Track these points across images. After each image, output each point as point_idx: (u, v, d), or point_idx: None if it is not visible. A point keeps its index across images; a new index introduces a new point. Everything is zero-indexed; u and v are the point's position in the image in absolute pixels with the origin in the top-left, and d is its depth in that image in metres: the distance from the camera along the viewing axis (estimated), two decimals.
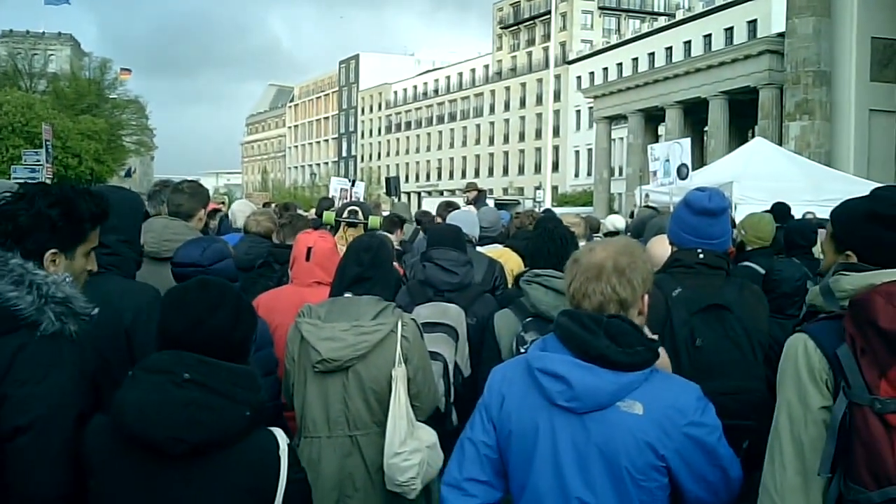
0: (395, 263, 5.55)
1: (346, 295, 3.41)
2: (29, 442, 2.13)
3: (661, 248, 3.80)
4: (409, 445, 3.18)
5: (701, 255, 3.29)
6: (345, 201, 10.92)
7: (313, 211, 11.14)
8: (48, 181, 22.32)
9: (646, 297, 2.44)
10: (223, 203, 16.68)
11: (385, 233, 7.67)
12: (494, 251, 6.06)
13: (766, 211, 7.50)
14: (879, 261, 2.28)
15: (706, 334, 3.12)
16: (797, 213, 9.15)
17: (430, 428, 3.35)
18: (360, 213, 5.86)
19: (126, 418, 2.11)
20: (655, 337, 2.48)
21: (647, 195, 15.12)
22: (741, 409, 3.01)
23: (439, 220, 7.79)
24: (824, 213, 10.58)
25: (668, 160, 12.97)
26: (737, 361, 3.12)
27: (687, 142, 13.01)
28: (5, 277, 2.21)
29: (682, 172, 12.38)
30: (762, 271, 5.25)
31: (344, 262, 3.52)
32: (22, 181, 12.05)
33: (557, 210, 16.66)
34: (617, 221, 10.28)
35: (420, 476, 3.18)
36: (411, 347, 3.33)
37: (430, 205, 22.11)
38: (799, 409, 2.27)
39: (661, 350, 2.43)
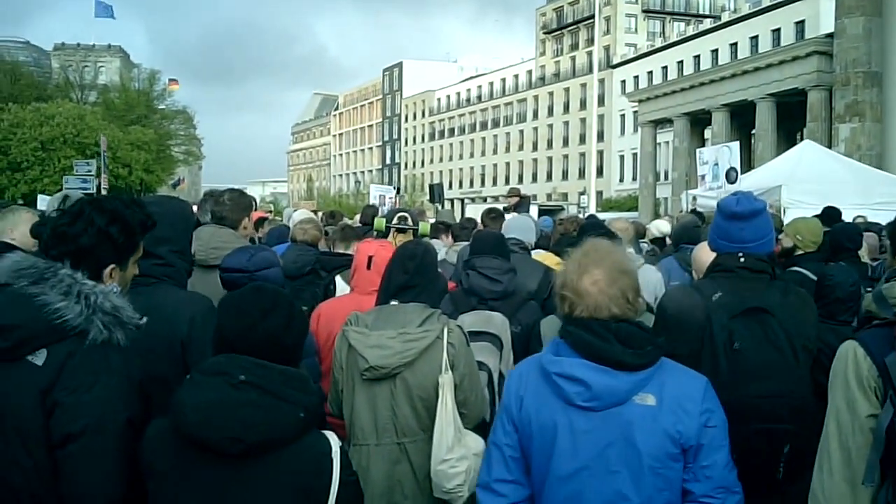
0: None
1: (393, 303, 3.44)
2: (79, 449, 2.19)
3: (706, 254, 3.78)
4: (457, 452, 3.20)
5: (742, 259, 3.28)
6: (384, 208, 11.00)
7: (357, 218, 11.21)
8: (105, 192, 22.78)
9: (641, 297, 2.60)
10: (270, 212, 16.90)
11: (433, 238, 7.72)
12: (537, 256, 6.04)
13: (816, 215, 7.37)
14: None
15: (745, 337, 3.11)
16: (847, 217, 8.97)
17: (478, 436, 3.35)
18: (409, 219, 5.93)
19: (185, 418, 2.17)
20: None
21: (694, 198, 14.97)
22: (780, 413, 3.01)
23: (482, 226, 7.79)
24: (875, 217, 10.38)
25: (716, 164, 12.84)
26: (776, 365, 3.09)
27: (735, 145, 12.87)
28: (55, 288, 2.27)
29: (731, 176, 12.25)
30: (813, 277, 5.17)
31: (389, 270, 3.54)
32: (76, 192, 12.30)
33: (602, 215, 16.56)
34: (662, 226, 10.17)
35: (467, 483, 3.19)
36: (457, 354, 3.34)
37: (474, 211, 22.14)
38: (847, 416, 2.28)
39: None
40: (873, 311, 2.37)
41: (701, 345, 3.11)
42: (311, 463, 2.24)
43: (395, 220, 5.87)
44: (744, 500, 2.48)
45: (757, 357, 3.08)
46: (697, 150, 14.81)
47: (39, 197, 21.07)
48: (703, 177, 13.44)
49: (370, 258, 4.28)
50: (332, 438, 2.31)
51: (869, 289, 5.31)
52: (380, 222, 5.92)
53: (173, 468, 2.22)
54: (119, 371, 2.28)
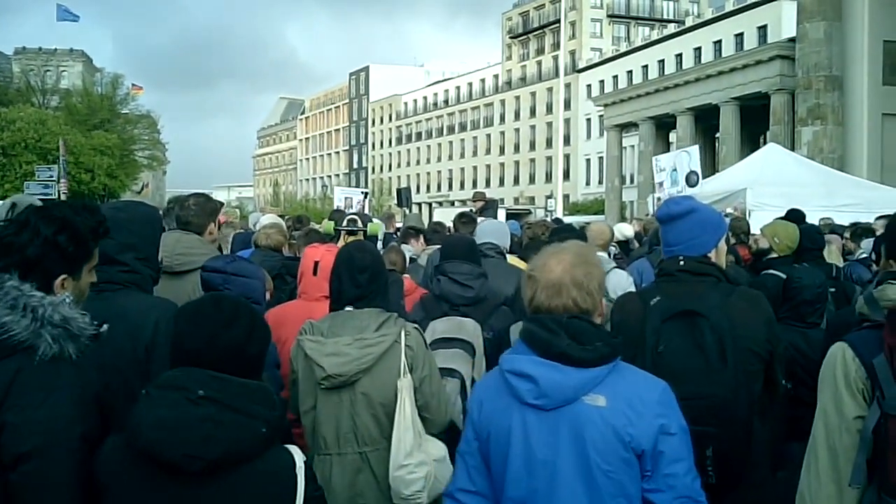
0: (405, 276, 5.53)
1: (348, 308, 3.38)
2: (32, 469, 2.10)
3: None
4: (416, 458, 3.15)
5: (682, 262, 3.26)
6: (351, 210, 10.91)
7: (324, 223, 11.12)
8: (64, 197, 22.45)
9: (603, 300, 2.56)
10: (236, 218, 16.73)
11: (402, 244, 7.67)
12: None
13: (780, 218, 7.45)
14: None
15: (672, 340, 3.08)
16: (812, 219, 9.08)
17: (440, 442, 3.31)
18: (359, 222, 5.91)
19: (141, 436, 2.09)
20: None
21: (659, 199, 15.10)
22: (699, 415, 2.93)
23: (453, 231, 7.77)
24: (840, 219, 10.53)
25: (675, 169, 12.95)
26: (698, 368, 3.04)
27: (695, 149, 12.99)
28: (1, 302, 2.17)
29: (691, 180, 12.36)
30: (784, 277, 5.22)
31: (339, 282, 3.42)
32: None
33: (569, 219, 16.61)
34: (625, 230, 10.23)
35: (426, 490, 3.15)
36: (416, 356, 3.29)
37: (442, 215, 22.11)
38: (834, 417, 2.29)
39: None
40: (865, 312, 2.37)
41: (633, 349, 3.08)
42: (275, 479, 2.18)
43: (345, 223, 5.85)
44: None
45: (679, 360, 3.05)
46: (654, 158, 14.90)
47: None
48: (660, 183, 13.55)
49: (316, 263, 4.19)
50: (297, 453, 2.25)
51: (832, 289, 5.38)
52: (328, 225, 5.90)
53: (130, 487, 2.14)
54: (71, 386, 2.18)
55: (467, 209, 12.00)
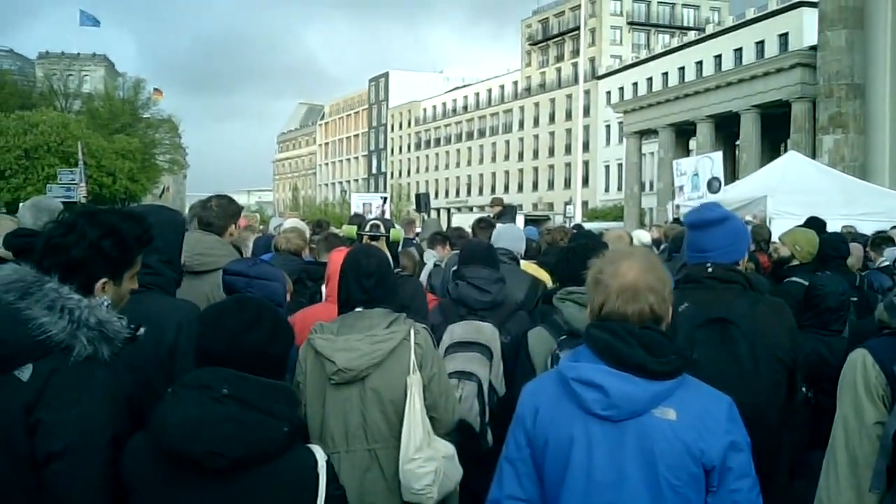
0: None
1: (357, 309, 3.41)
2: (63, 468, 2.13)
3: None
4: (425, 453, 3.16)
5: (709, 269, 3.24)
6: (370, 216, 10.91)
7: (344, 228, 11.14)
8: (84, 200, 22.62)
9: (670, 308, 2.48)
10: (255, 221, 16.78)
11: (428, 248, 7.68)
12: (523, 266, 6.01)
13: (801, 225, 7.41)
14: None
15: (705, 348, 3.06)
16: (833, 228, 9.02)
17: (448, 442, 3.33)
18: (381, 227, 5.93)
19: (166, 434, 2.12)
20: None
21: (678, 207, 15.04)
22: None
23: (473, 236, 7.78)
24: (861, 228, 10.44)
25: (696, 174, 12.88)
26: (732, 376, 3.02)
27: (718, 155, 12.91)
28: (40, 302, 2.22)
29: (713, 186, 12.28)
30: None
31: (347, 287, 3.46)
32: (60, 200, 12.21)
33: (588, 225, 16.56)
34: (643, 236, 10.18)
35: (436, 485, 3.16)
36: (425, 354, 3.32)
37: (460, 220, 22.12)
38: (854, 423, 2.28)
39: None
40: (885, 319, 2.36)
41: None
42: (297, 477, 2.20)
43: (367, 228, 5.88)
44: None
45: (714, 368, 3.01)
46: (674, 162, 14.82)
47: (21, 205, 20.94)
48: (681, 188, 13.48)
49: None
50: (318, 452, 2.27)
51: (854, 298, 5.35)
52: (350, 230, 5.91)
53: (155, 484, 2.17)
54: (104, 387, 2.22)
55: (486, 215, 11.98)
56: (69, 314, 2.22)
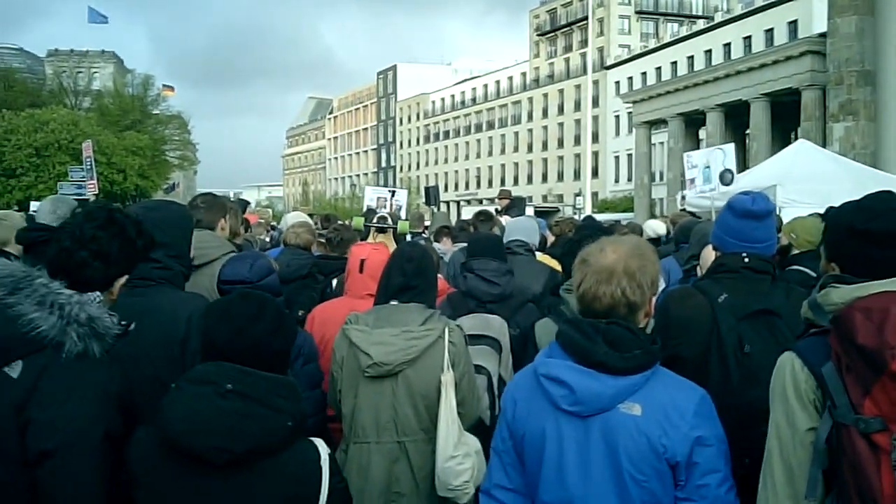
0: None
1: (392, 303, 3.44)
2: (56, 465, 2.13)
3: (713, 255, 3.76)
4: (461, 450, 3.21)
5: (746, 259, 3.21)
6: (384, 210, 10.89)
7: (355, 220, 11.13)
8: (93, 197, 22.69)
9: (653, 298, 2.49)
10: (267, 217, 16.83)
11: (434, 242, 7.70)
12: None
13: (818, 215, 7.36)
14: (862, 273, 2.18)
15: (754, 340, 3.04)
16: None
17: (474, 436, 3.36)
18: (388, 219, 5.96)
19: (171, 428, 2.14)
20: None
21: (683, 197, 14.95)
22: None
23: (472, 229, 7.77)
24: None
25: (707, 167, 12.78)
26: None
27: (730, 147, 12.78)
28: (30, 298, 2.21)
29: (725, 178, 12.17)
30: (814, 274, 5.14)
31: (388, 272, 3.53)
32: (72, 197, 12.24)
33: (598, 216, 16.53)
34: (657, 227, 10.14)
35: (472, 481, 3.20)
36: (458, 353, 3.36)
37: (470, 213, 22.12)
38: (787, 431, 2.20)
39: None
40: (811, 318, 2.25)
41: (707, 348, 3.05)
42: (300, 471, 2.22)
43: (374, 220, 5.91)
44: None
45: (767, 360, 3.02)
46: (685, 154, 14.73)
47: (33, 203, 21.02)
48: (692, 180, 13.37)
49: (363, 261, 4.27)
50: (321, 446, 2.29)
51: None
52: (358, 221, 5.96)
53: (159, 477, 2.19)
54: (95, 385, 2.22)
55: (485, 207, 11.93)
56: (60, 309, 2.21)
